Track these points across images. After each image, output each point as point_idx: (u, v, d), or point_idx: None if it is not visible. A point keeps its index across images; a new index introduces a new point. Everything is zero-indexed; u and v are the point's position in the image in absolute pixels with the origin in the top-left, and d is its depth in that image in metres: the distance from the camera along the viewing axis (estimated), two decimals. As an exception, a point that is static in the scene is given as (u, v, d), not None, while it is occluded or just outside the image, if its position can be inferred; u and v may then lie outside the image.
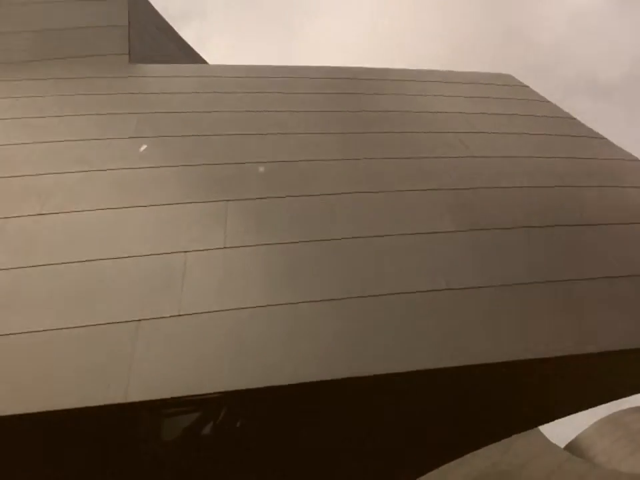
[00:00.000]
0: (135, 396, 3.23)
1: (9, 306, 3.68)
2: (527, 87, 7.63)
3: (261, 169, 5.22)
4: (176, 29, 12.58)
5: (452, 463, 6.01)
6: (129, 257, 4.07)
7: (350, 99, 6.69)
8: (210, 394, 3.33)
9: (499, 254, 4.41)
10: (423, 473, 5.54)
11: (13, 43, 7.43)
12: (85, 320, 3.58)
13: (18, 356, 3.43)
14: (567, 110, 7.00)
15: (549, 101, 7.25)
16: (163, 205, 4.61)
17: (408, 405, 4.35)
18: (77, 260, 4.01)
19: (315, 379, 3.36)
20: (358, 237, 4.43)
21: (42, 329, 3.52)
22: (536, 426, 7.98)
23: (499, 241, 4.53)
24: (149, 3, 11.69)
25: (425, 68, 7.91)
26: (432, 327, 3.75)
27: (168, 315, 3.66)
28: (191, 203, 4.68)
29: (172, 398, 3.30)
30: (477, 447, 5.69)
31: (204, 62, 11.15)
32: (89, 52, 7.37)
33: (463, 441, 5.20)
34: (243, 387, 3.32)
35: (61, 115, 5.84)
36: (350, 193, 4.92)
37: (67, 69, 6.91)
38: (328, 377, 3.38)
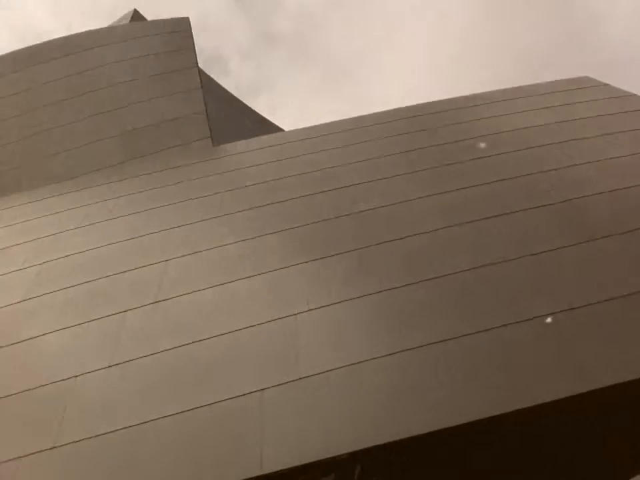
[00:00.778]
0: (270, 466, 3.25)
1: (142, 395, 3.86)
2: (607, 84, 7.33)
3: (353, 219, 5.28)
4: (248, 103, 13.24)
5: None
6: (243, 328, 4.18)
7: (432, 134, 6.67)
8: (343, 455, 3.28)
9: (620, 262, 4.17)
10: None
11: (105, 147, 8.07)
12: (212, 397, 3.68)
13: (154, 443, 3.54)
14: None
15: (634, 94, 6.91)
16: (266, 272, 4.74)
17: (551, 437, 4.08)
18: (194, 340, 4.17)
19: (453, 424, 3.24)
20: (469, 269, 4.32)
21: (172, 413, 3.65)
22: None
23: (617, 247, 4.29)
24: (220, 86, 12.41)
25: (497, 83, 7.83)
26: (569, 349, 3.56)
27: (289, 380, 3.69)
28: (291, 266, 4.77)
29: (306, 464, 3.28)
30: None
31: (279, 129, 11.57)
32: (174, 143, 7.86)
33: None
34: (375, 444, 3.26)
35: (158, 207, 6.21)
36: (451, 226, 4.85)
37: (156, 163, 7.39)
38: (469, 419, 3.25)
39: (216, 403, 3.64)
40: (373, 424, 3.35)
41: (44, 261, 5.54)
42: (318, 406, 3.54)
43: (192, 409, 3.63)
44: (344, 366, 3.73)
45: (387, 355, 3.71)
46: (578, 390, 3.34)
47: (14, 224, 6.49)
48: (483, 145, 6.12)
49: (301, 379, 3.69)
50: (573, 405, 3.37)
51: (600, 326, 3.74)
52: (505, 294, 4.07)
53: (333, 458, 3.27)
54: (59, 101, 8.96)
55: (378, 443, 3.24)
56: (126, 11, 13.32)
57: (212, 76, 12.82)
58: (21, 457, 3.58)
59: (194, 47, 9.84)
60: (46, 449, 3.59)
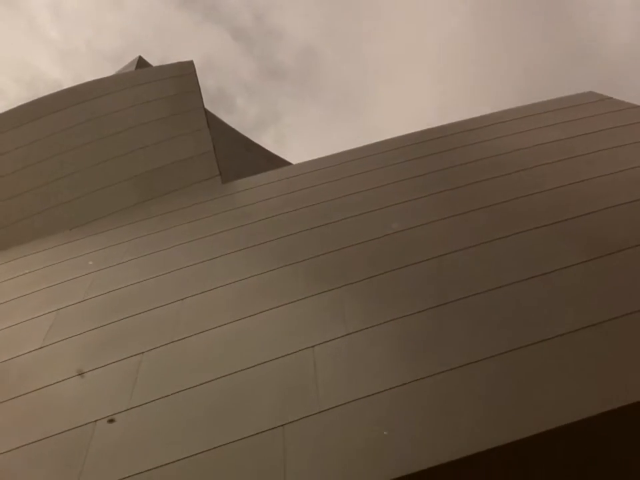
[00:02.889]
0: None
1: (161, 436, 3.81)
2: (611, 98, 7.35)
3: (365, 247, 5.26)
4: (254, 138, 13.40)
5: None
6: (260, 363, 4.13)
7: (438, 158, 6.69)
8: None
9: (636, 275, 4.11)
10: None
11: (118, 192, 8.18)
12: (233, 435, 3.62)
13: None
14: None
15: (637, 106, 6.94)
16: (281, 305, 4.71)
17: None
18: (213, 378, 4.13)
19: (482, 449, 3.14)
20: (482, 292, 4.27)
21: (193, 453, 3.59)
22: None
23: (632, 262, 4.24)
24: (227, 124, 12.58)
25: (505, 103, 7.91)
26: (594, 366, 3.48)
27: (310, 414, 3.63)
28: (306, 297, 4.75)
29: None
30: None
31: (287, 163, 11.67)
32: (185, 183, 7.96)
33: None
34: (403, 474, 3.17)
35: (171, 247, 6.24)
36: (462, 249, 4.82)
37: (169, 203, 7.47)
38: (499, 443, 3.15)
39: (237, 440, 3.58)
40: (398, 454, 3.27)
41: (59, 307, 5.56)
42: (340, 439, 3.47)
43: (213, 448, 3.57)
44: (365, 396, 3.66)
45: (406, 384, 3.64)
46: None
47: (28, 272, 6.54)
48: (486, 167, 6.11)
49: (321, 412, 3.63)
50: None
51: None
52: (522, 315, 4.01)
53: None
54: (70, 149, 9.13)
55: (403, 474, 3.16)
56: (132, 58, 13.64)
57: (218, 114, 13.03)
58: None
59: (199, 88, 10.03)
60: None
